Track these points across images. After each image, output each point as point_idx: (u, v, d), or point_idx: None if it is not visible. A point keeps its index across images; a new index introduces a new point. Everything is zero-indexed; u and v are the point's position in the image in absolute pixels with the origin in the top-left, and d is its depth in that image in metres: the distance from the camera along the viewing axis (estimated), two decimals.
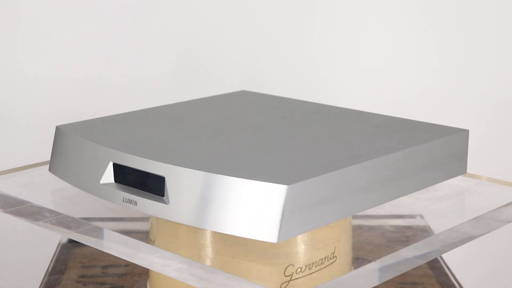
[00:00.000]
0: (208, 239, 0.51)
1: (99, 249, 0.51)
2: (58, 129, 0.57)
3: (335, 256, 0.54)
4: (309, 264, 0.52)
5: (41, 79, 0.92)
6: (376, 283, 0.46)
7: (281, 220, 0.44)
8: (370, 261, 0.47)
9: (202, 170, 0.46)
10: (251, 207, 0.44)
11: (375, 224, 0.73)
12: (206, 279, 0.45)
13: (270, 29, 0.94)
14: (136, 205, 0.49)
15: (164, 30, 0.94)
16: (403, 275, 0.67)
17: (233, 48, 0.94)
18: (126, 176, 0.51)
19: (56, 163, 0.56)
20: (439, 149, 0.55)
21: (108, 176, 0.52)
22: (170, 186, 0.47)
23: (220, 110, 0.63)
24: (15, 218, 0.55)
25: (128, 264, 0.68)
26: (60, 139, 0.56)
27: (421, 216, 0.72)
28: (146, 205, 0.49)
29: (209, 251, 0.52)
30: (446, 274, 0.67)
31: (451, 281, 0.66)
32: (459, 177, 0.61)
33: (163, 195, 0.48)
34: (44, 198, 0.60)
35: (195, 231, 0.52)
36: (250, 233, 0.44)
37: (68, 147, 0.55)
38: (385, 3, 0.94)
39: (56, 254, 0.71)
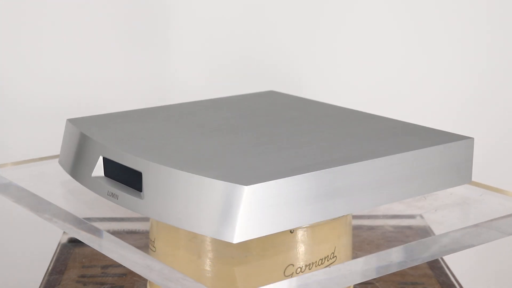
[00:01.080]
0: (207, 240, 0.51)
1: (96, 249, 0.51)
2: (67, 123, 0.58)
3: (335, 256, 0.54)
4: (309, 264, 0.52)
5: (63, 74, 0.91)
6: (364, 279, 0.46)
7: (240, 221, 0.44)
8: None
9: (171, 167, 0.47)
10: (212, 206, 0.44)
11: (375, 224, 0.73)
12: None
13: (317, 33, 0.93)
14: (117, 199, 0.50)
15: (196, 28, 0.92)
16: (403, 275, 0.67)
17: (273, 50, 0.93)
18: (111, 170, 0.52)
19: (63, 155, 0.58)
20: (440, 156, 0.53)
21: (99, 169, 0.53)
22: (146, 182, 0.48)
23: (233, 109, 0.63)
24: (16, 214, 0.55)
25: None
26: (67, 132, 0.58)
27: (421, 217, 0.72)
28: (125, 199, 0.49)
29: (208, 252, 0.52)
30: (446, 274, 0.67)
31: (451, 281, 0.66)
32: (464, 186, 0.59)
33: (141, 190, 0.49)
34: (48, 191, 0.60)
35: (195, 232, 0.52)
36: (211, 232, 0.44)
37: (71, 140, 0.56)
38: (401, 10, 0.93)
39: (56, 254, 0.71)
